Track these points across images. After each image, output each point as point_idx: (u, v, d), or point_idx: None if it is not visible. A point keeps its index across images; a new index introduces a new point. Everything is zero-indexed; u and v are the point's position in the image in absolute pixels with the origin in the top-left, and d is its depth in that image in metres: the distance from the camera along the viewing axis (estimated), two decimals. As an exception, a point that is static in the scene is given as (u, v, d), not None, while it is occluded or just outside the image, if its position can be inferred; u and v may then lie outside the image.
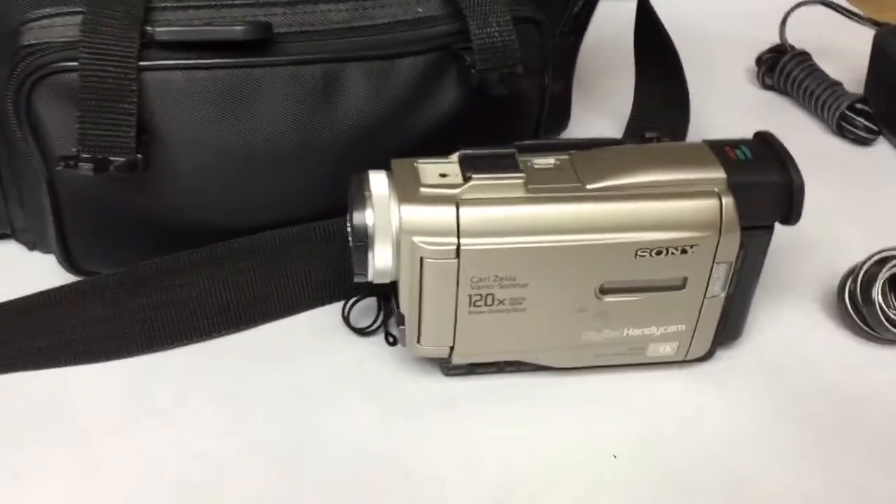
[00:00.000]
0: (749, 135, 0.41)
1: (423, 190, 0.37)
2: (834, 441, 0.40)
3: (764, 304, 0.46)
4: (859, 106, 0.59)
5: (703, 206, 0.38)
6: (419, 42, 0.42)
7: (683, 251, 0.38)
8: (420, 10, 0.43)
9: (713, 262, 0.39)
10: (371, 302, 0.45)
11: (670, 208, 0.37)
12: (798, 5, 0.64)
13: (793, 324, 0.46)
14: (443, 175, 0.38)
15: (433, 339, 0.39)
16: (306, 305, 0.45)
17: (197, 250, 0.43)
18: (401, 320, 0.39)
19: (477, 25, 0.41)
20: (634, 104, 0.56)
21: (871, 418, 0.41)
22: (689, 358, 0.42)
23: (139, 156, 0.38)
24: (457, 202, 0.37)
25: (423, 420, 0.40)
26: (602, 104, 0.61)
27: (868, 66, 0.61)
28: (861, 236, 0.51)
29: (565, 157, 0.39)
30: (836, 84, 0.60)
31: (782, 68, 0.63)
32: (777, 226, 0.40)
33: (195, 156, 0.40)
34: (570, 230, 0.37)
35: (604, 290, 0.39)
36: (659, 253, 0.38)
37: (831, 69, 0.62)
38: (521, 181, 0.37)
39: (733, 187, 0.38)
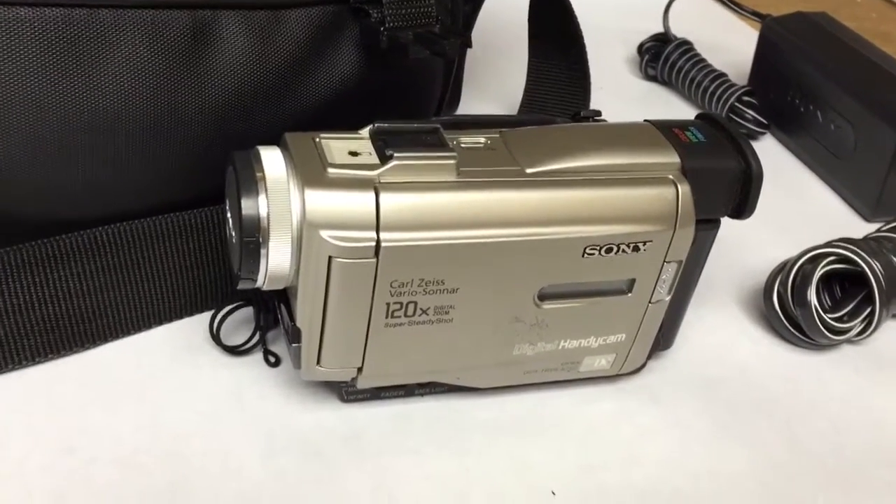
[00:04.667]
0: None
1: (331, 171, 0.29)
2: (787, 462, 0.35)
3: (685, 307, 0.41)
4: (747, 98, 0.56)
5: (658, 195, 0.32)
6: (312, -10, 0.34)
7: (635, 248, 0.32)
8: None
9: (664, 261, 0.33)
10: (244, 313, 0.36)
11: (624, 197, 0.32)
12: (680, -8, 0.61)
13: (717, 329, 0.41)
14: (353, 153, 0.30)
15: (338, 359, 0.32)
16: (162, 318, 0.36)
17: (13, 249, 0.32)
18: (295, 337, 0.31)
19: (384, -25, 0.34)
20: (528, 82, 0.50)
21: (820, 433, 0.37)
22: (622, 371, 0.37)
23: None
24: (375, 187, 0.29)
25: (321, 459, 0.32)
26: (488, 84, 0.55)
27: (754, 58, 0.58)
28: (764, 232, 0.48)
29: (495, 135, 0.33)
30: (723, 75, 0.58)
31: (667, 58, 0.60)
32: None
33: (17, 122, 0.31)
34: (511, 223, 0.31)
35: (542, 297, 0.32)
36: (609, 251, 0.32)
37: (712, 60, 0.60)
38: (452, 162, 0.30)
39: (688, 173, 0.33)
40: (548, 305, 0.33)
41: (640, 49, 0.62)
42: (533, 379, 0.35)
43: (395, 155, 0.30)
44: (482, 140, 0.32)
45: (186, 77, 0.33)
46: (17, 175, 0.31)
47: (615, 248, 0.32)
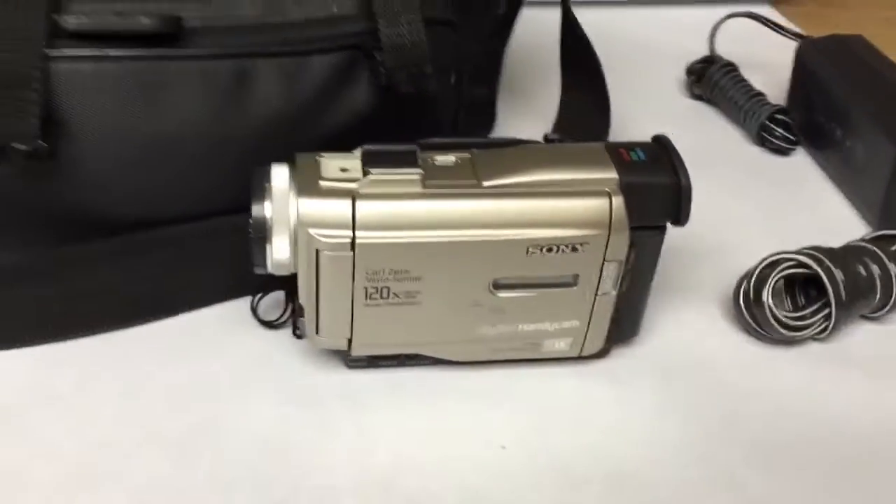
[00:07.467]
0: (675, 141, 0.41)
1: (322, 183, 0.38)
2: (718, 436, 0.41)
3: (666, 305, 0.47)
4: (780, 116, 0.60)
5: (592, 205, 0.39)
6: (330, 40, 0.43)
7: (574, 249, 0.39)
8: (335, 9, 0.44)
9: (603, 261, 0.40)
10: (281, 295, 0.46)
11: (561, 206, 0.39)
12: (728, 17, 0.66)
13: (691, 325, 0.47)
14: (343, 169, 0.39)
15: (331, 330, 0.40)
16: (217, 299, 0.46)
17: (106, 241, 0.43)
18: (301, 312, 0.40)
19: (386, 25, 0.43)
20: (560, 110, 0.57)
21: (756, 415, 0.42)
22: (584, 354, 0.43)
23: (43, 144, 0.38)
24: (353, 196, 0.38)
25: (320, 410, 0.41)
26: (531, 110, 0.62)
27: (790, 78, 0.62)
28: (774, 243, 0.51)
29: (466, 155, 0.40)
30: (760, 94, 0.62)
31: (710, 78, 0.64)
32: (690, 231, 0.41)
33: (104, 147, 0.41)
34: (463, 226, 0.38)
35: (497, 286, 0.40)
36: (550, 250, 0.39)
37: (758, 80, 0.64)
38: (418, 177, 0.38)
39: (624, 188, 0.39)
40: (503, 294, 0.40)
41: (689, 70, 0.67)
42: (501, 356, 0.43)
43: (372, 171, 0.38)
44: (453, 159, 0.40)
45: (232, 111, 0.42)
46: (107, 185, 0.42)
47: (555, 248, 0.39)
